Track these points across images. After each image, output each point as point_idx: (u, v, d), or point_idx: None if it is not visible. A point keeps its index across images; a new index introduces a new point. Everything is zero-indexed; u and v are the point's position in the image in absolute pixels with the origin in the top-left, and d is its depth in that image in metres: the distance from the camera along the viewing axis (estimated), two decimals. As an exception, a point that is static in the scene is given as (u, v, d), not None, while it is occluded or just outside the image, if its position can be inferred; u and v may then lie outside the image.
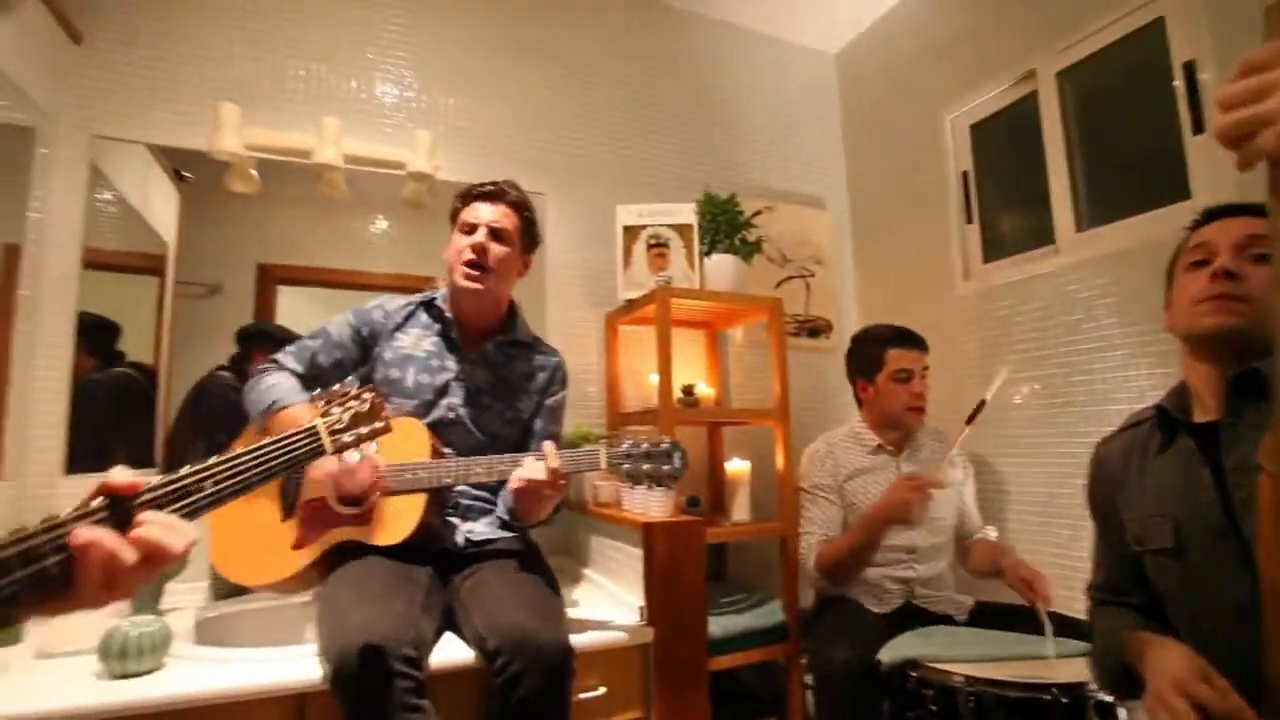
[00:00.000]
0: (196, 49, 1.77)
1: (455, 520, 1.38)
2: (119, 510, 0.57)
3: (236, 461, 0.68)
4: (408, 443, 1.29)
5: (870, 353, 1.73)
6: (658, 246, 1.81)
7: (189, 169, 1.80)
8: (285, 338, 1.78)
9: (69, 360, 1.59)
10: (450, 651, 1.16)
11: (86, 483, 0.58)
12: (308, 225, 1.87)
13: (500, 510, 1.40)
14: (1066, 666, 1.19)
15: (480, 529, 1.39)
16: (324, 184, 1.83)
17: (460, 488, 1.39)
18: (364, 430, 0.90)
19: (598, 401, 2.00)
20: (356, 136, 1.83)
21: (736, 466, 1.80)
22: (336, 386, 0.95)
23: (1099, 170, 1.77)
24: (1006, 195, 2.03)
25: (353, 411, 0.90)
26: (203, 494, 0.64)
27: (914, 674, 1.27)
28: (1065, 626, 1.29)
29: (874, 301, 2.43)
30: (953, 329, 2.05)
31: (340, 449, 0.86)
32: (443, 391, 1.41)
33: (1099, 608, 1.08)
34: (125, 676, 1.05)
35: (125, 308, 1.71)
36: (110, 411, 1.66)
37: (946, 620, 1.59)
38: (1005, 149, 2.03)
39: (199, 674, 1.07)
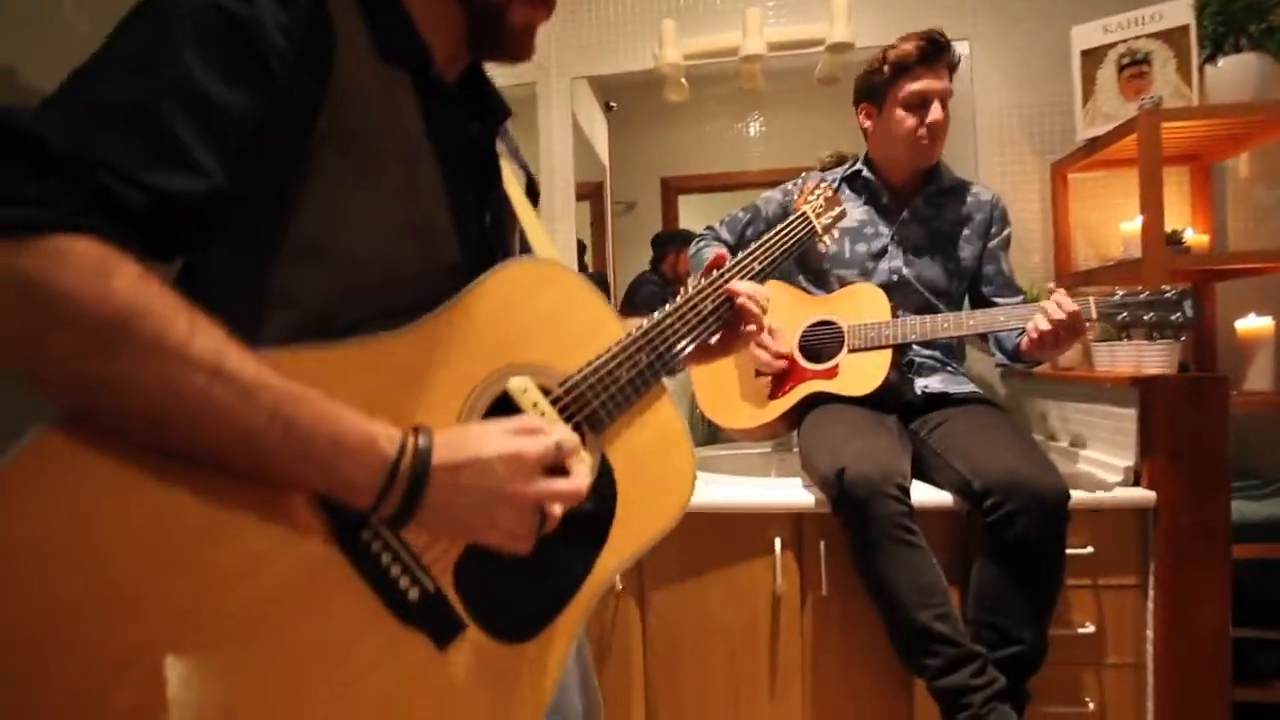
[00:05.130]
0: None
1: (910, 377, 1.43)
2: (714, 283, 0.78)
3: (768, 244, 0.87)
4: (870, 306, 1.38)
5: None
6: (1133, 65, 1.48)
7: (614, 99, 2.11)
8: (688, 237, 2.04)
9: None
10: (920, 493, 1.21)
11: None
12: (698, 136, 2.06)
13: (998, 356, 1.42)
14: None
15: (935, 384, 1.41)
16: (743, 78, 1.96)
17: (914, 347, 1.43)
18: (836, 213, 1.02)
19: (1041, 269, 1.79)
20: (774, 24, 1.90)
21: (1253, 324, 1.45)
22: (804, 179, 1.11)
23: None
24: None
25: (821, 198, 1.01)
26: (753, 272, 0.83)
27: None
28: None
29: None
30: None
31: (825, 230, 0.99)
32: (880, 255, 1.46)
33: None
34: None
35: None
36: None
37: None
38: None
39: (721, 488, 1.34)
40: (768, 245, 0.87)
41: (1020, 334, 1.32)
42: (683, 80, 2.00)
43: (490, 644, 0.54)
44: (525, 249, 0.74)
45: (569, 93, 2.03)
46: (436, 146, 0.59)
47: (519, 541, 0.53)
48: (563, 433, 0.55)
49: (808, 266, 1.53)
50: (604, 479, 0.63)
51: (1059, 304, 1.14)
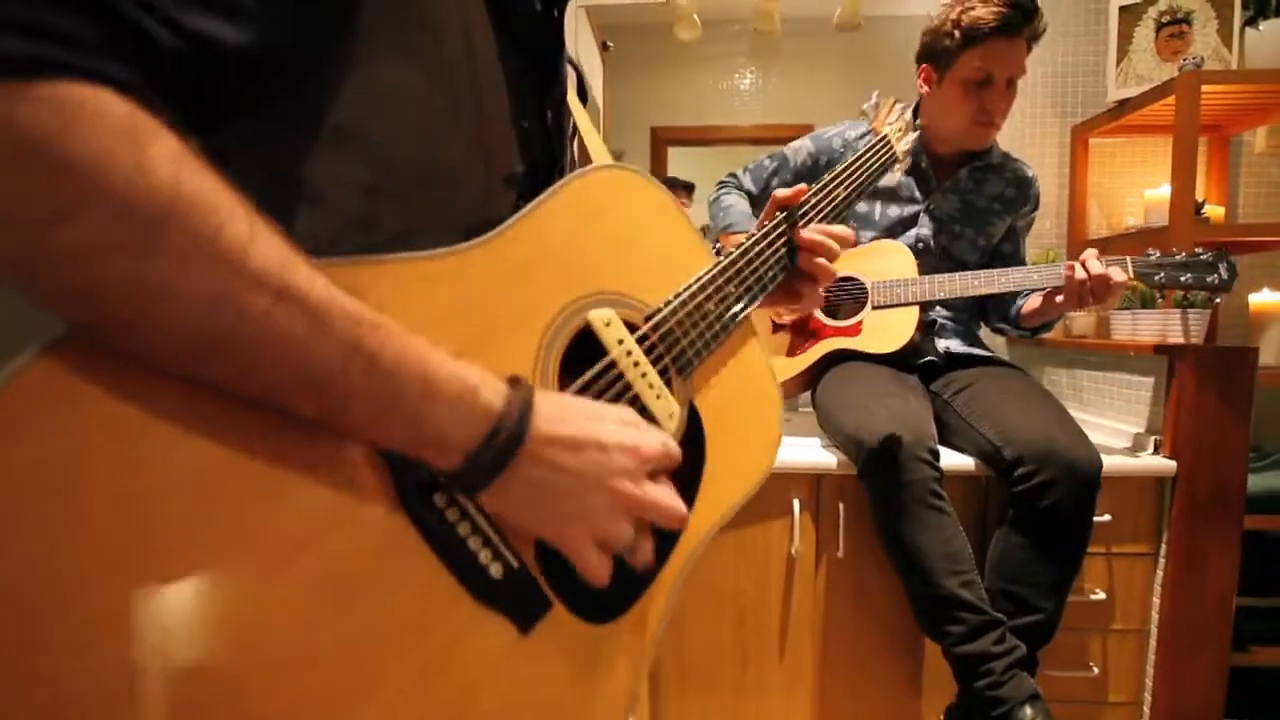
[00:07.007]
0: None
1: (932, 337, 1.39)
2: (791, 217, 0.69)
3: (853, 169, 0.78)
4: (896, 264, 1.32)
5: None
6: (1173, 24, 1.44)
7: (612, 38, 1.97)
8: (684, 184, 1.95)
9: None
10: (945, 457, 1.19)
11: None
12: (693, 86, 1.97)
13: (996, 320, 1.38)
14: None
15: (956, 345, 1.37)
16: (759, 19, 1.86)
17: (935, 308, 1.39)
18: (911, 138, 0.93)
19: (1053, 235, 1.76)
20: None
21: (1267, 298, 1.45)
22: (877, 103, 0.94)
23: None
24: None
25: (900, 119, 0.92)
26: (838, 199, 0.74)
27: None
28: None
29: None
30: None
31: (904, 152, 0.90)
32: (910, 223, 1.39)
33: None
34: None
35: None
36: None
37: None
38: None
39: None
40: (852, 170, 0.77)
41: (1024, 297, 1.30)
42: (695, 16, 1.88)
43: (578, 624, 0.46)
44: (584, 160, 0.63)
45: (573, 22, 1.89)
46: (496, 24, 0.48)
47: (595, 555, 0.43)
48: (670, 437, 0.47)
49: None
50: (692, 431, 0.55)
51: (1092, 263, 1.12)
